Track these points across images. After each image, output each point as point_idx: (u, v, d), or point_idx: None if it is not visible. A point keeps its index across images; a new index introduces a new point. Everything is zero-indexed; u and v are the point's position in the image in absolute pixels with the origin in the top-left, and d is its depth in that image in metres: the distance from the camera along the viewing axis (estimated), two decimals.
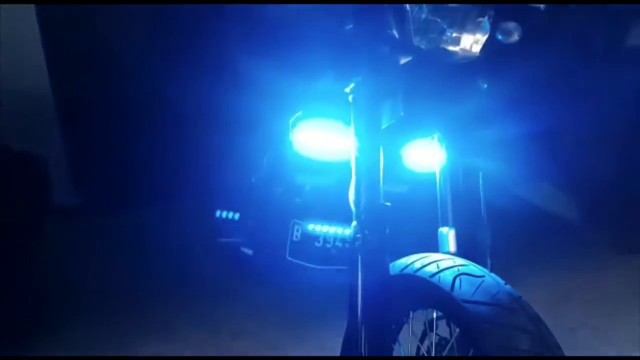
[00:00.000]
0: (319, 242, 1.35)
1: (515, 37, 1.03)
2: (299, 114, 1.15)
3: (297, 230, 1.35)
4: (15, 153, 1.93)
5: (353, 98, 0.98)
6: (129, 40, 2.53)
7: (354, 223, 0.92)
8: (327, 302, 1.83)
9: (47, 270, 2.13)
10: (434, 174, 1.09)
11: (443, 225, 1.02)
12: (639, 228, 2.22)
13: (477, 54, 0.98)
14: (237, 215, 1.77)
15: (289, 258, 1.37)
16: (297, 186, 1.41)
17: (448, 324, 0.97)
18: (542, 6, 1.06)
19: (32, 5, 2.48)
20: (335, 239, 1.35)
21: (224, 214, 1.84)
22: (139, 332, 1.82)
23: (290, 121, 1.17)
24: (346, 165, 1.26)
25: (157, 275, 2.14)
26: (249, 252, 1.63)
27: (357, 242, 0.90)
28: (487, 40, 0.99)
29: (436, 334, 0.95)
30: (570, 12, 1.62)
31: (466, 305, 0.77)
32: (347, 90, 0.98)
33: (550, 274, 2.04)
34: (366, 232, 0.90)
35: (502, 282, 0.80)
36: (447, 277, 0.82)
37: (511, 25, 1.02)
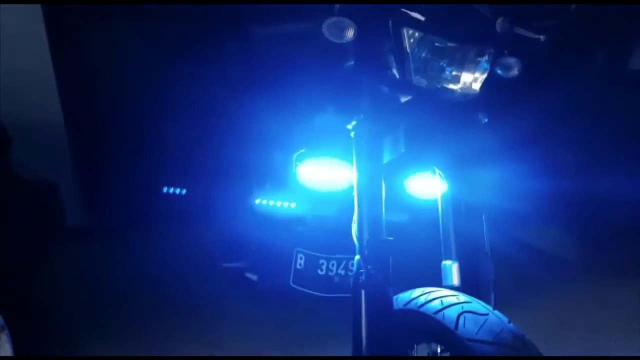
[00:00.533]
0: (321, 270, 1.36)
1: (515, 72, 1.05)
2: (302, 151, 1.17)
3: (301, 259, 1.36)
4: (27, 177, 1.95)
5: (355, 135, 1.00)
6: (138, 65, 2.57)
7: (357, 257, 0.93)
8: (329, 327, 1.85)
9: (62, 288, 2.14)
10: (435, 201, 1.11)
11: (446, 258, 1.03)
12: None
13: (477, 92, 1.00)
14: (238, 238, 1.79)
15: (292, 285, 1.38)
16: (299, 216, 1.43)
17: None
18: (542, 37, 1.09)
19: (44, 30, 2.52)
20: (337, 267, 1.36)
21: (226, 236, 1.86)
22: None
23: (294, 157, 1.19)
24: (348, 195, 1.28)
25: (163, 294, 2.15)
26: (254, 277, 1.65)
27: (360, 277, 0.92)
28: (487, 77, 1.01)
29: None
30: (570, 39, 1.65)
31: (470, 344, 0.79)
32: (349, 127, 1.00)
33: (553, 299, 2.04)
34: (369, 267, 0.92)
35: (505, 320, 0.82)
36: (452, 314, 0.84)
37: (511, 60, 1.04)
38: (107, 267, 2.42)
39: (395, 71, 0.96)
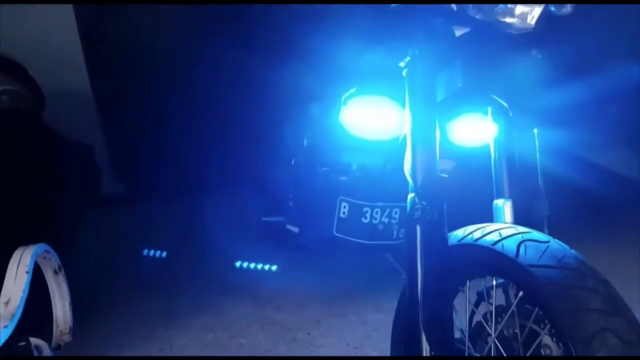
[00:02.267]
0: (365, 218, 1.37)
1: (568, 9, 1.03)
2: (352, 90, 1.17)
3: (344, 207, 1.38)
4: (60, 145, 2.00)
5: (407, 72, 0.99)
6: (166, 29, 2.57)
7: (412, 195, 0.94)
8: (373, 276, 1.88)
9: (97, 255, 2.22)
10: (482, 149, 1.10)
11: (498, 197, 1.03)
12: None
13: (532, 26, 0.98)
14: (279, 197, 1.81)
15: (336, 234, 1.40)
16: (344, 164, 1.43)
17: (505, 292, 0.99)
18: None
19: (71, 6, 2.55)
20: (381, 215, 1.37)
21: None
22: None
23: (343, 98, 1.19)
24: (393, 144, 1.28)
25: (204, 253, 2.21)
26: (295, 229, 1.67)
27: (416, 213, 0.92)
28: (541, 12, 0.99)
29: (489, 302, 0.97)
30: None
31: (533, 269, 0.79)
32: (402, 64, 0.99)
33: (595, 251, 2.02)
34: (424, 203, 0.92)
35: (567, 247, 0.82)
36: (511, 244, 0.84)
37: None
38: (149, 228, 2.48)
39: (452, 5, 0.95)
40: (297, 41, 1.38)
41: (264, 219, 2.00)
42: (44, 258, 1.11)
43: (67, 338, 1.13)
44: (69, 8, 2.59)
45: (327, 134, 1.42)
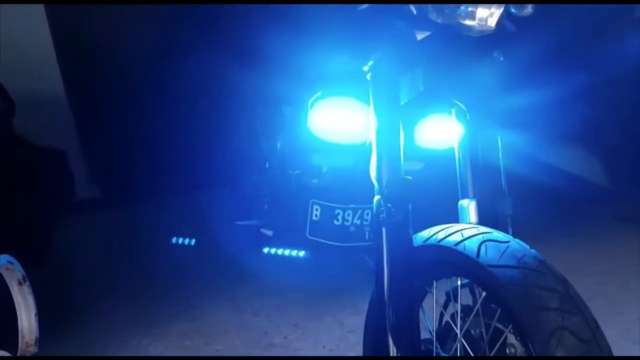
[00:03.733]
0: (337, 220, 1.37)
1: (529, 10, 1.04)
2: (318, 94, 1.17)
3: (316, 210, 1.37)
4: (33, 151, 1.97)
5: (372, 75, 0.99)
6: (139, 33, 2.55)
7: (377, 197, 0.94)
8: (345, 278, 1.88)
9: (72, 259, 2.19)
10: (449, 150, 1.11)
11: (463, 198, 1.04)
12: None
13: (493, 28, 0.99)
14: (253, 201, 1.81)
15: (309, 237, 1.40)
16: (315, 167, 1.43)
17: (471, 291, 1.00)
18: None
19: (42, 7, 2.50)
20: (353, 217, 1.38)
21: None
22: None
23: (309, 102, 1.19)
24: (363, 146, 1.28)
25: (178, 256, 2.19)
26: (269, 232, 1.66)
27: (381, 216, 0.93)
28: (501, 14, 1.00)
29: (456, 303, 0.98)
30: None
31: (493, 269, 0.80)
32: (366, 68, 1.00)
33: (561, 246, 2.07)
34: (389, 205, 0.93)
35: (527, 246, 0.83)
36: (472, 244, 0.85)
37: None
38: (121, 231, 2.45)
39: (412, 7, 0.95)
40: (267, 45, 1.38)
41: (238, 222, 2.00)
42: (7, 269, 1.09)
43: (32, 349, 1.11)
44: (40, 8, 2.54)
45: (298, 137, 1.42)
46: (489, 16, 0.99)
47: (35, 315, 1.13)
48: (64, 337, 1.69)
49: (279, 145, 1.74)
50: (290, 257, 1.66)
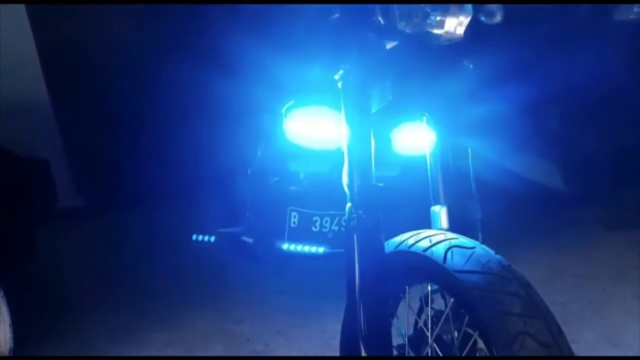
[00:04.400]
0: (315, 227, 1.38)
1: (497, 18, 1.06)
2: (290, 102, 1.18)
3: (294, 217, 1.38)
4: (16, 158, 1.96)
5: (342, 84, 1.01)
6: (120, 40, 2.55)
7: (349, 205, 0.95)
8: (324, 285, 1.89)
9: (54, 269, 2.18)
10: (423, 157, 1.13)
11: (435, 204, 1.05)
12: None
13: (461, 36, 1.01)
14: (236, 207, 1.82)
15: (287, 243, 1.40)
16: (292, 174, 1.44)
17: (443, 297, 1.01)
18: None
19: (24, 9, 2.49)
20: (331, 223, 1.39)
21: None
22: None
23: (283, 110, 1.20)
24: (338, 152, 1.30)
25: (162, 267, 2.19)
26: (250, 240, 1.67)
27: (352, 222, 0.94)
28: (470, 22, 1.02)
29: (432, 307, 0.99)
30: None
31: (458, 275, 0.81)
32: (337, 77, 1.01)
33: (542, 250, 2.10)
34: (360, 212, 0.94)
35: (492, 252, 0.84)
36: (440, 250, 0.86)
37: (494, 7, 1.05)
38: (106, 242, 2.45)
39: (380, 18, 0.97)
40: (244, 55, 1.40)
41: (220, 230, 2.00)
42: None
43: None
44: (21, 9, 2.52)
45: (276, 145, 1.43)
46: (457, 25, 1.01)
47: (10, 326, 1.13)
48: (41, 349, 1.68)
49: (259, 152, 1.75)
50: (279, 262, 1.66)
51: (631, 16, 1.69)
